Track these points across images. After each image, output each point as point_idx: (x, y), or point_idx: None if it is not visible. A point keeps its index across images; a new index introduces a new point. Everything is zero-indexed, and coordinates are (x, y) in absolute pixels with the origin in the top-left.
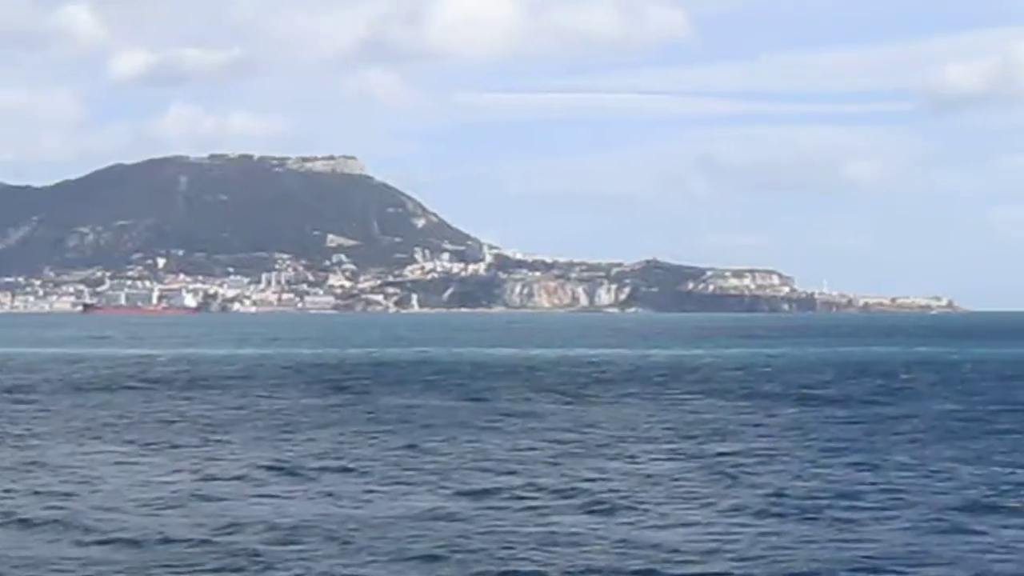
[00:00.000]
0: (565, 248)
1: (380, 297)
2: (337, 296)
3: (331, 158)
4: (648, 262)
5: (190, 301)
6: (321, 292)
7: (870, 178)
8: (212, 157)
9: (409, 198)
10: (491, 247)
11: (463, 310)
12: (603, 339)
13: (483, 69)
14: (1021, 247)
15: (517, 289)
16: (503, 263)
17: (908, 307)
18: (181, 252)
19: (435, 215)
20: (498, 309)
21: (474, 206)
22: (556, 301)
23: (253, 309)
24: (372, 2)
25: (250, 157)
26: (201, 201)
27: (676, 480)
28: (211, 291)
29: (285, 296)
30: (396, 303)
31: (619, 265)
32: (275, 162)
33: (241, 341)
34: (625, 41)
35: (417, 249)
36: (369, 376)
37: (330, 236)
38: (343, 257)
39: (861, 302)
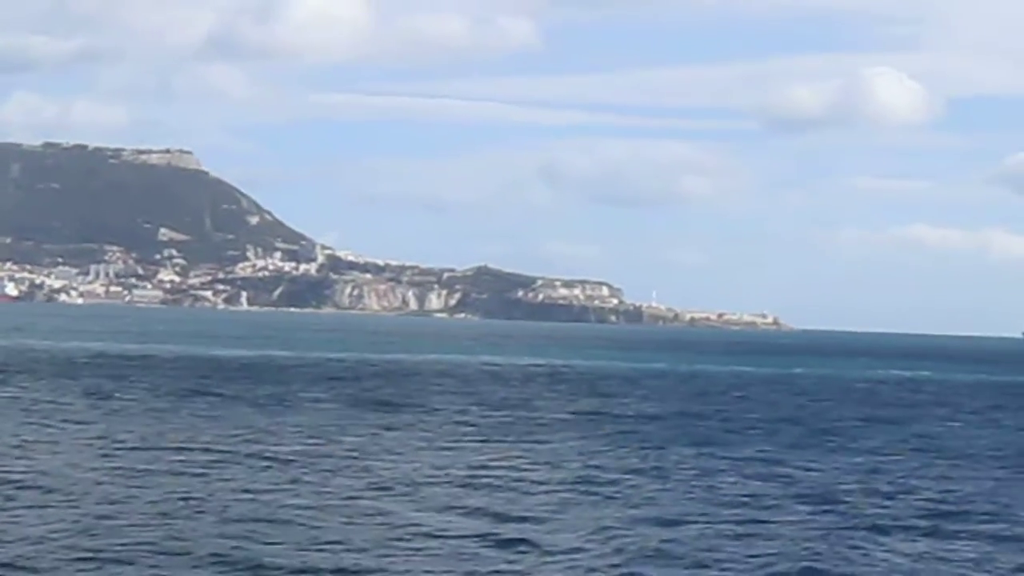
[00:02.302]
0: (402, 252)
1: (209, 294)
2: (166, 291)
3: (167, 151)
4: (479, 269)
5: (11, 290)
6: (149, 286)
7: (708, 195)
8: (46, 145)
9: (244, 195)
10: (324, 248)
11: (292, 310)
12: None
13: (330, 70)
14: (851, 268)
15: (347, 291)
16: (335, 264)
17: (735, 323)
18: (9, 240)
19: (269, 213)
20: (328, 310)
21: (312, 206)
22: (386, 304)
23: (80, 301)
24: None
25: (84, 147)
26: (33, 189)
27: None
28: (38, 281)
29: (113, 289)
30: (225, 300)
31: (451, 271)
32: (110, 153)
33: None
34: (474, 49)
35: (249, 247)
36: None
37: (162, 230)
38: (174, 252)
39: (688, 317)
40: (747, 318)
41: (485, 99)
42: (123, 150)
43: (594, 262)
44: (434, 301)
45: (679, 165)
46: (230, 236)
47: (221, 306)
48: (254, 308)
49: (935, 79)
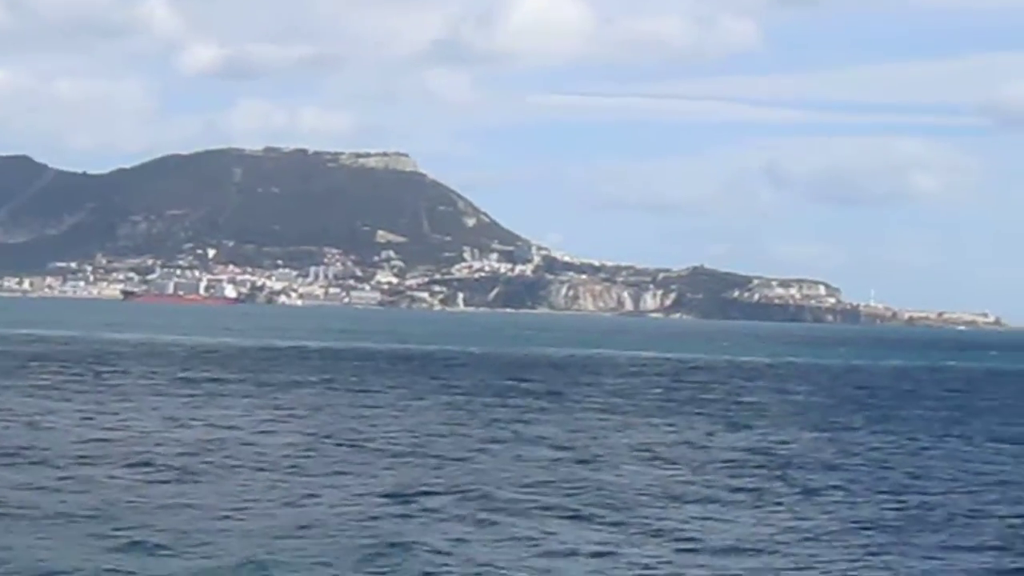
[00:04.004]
0: (621, 253)
1: (426, 295)
2: (383, 292)
3: (384, 155)
4: (695, 269)
5: (230, 292)
6: (367, 288)
7: (935, 193)
8: (267, 150)
9: (460, 197)
10: (540, 248)
11: (508, 310)
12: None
13: (552, 73)
14: None
15: (562, 291)
16: (550, 265)
17: (954, 322)
18: (231, 243)
19: (486, 215)
20: (542, 310)
21: (532, 208)
22: (601, 304)
23: (299, 302)
24: (446, 2)
25: (304, 151)
26: (254, 193)
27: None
28: (259, 283)
29: (332, 290)
30: (441, 301)
31: (666, 271)
32: (328, 157)
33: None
34: (696, 49)
35: (466, 248)
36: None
37: (380, 232)
38: (391, 253)
39: (906, 316)
40: (967, 317)
41: (708, 99)
42: (341, 154)
43: (815, 262)
44: (649, 301)
45: (905, 163)
46: (447, 238)
47: (437, 307)
48: (470, 309)
49: None
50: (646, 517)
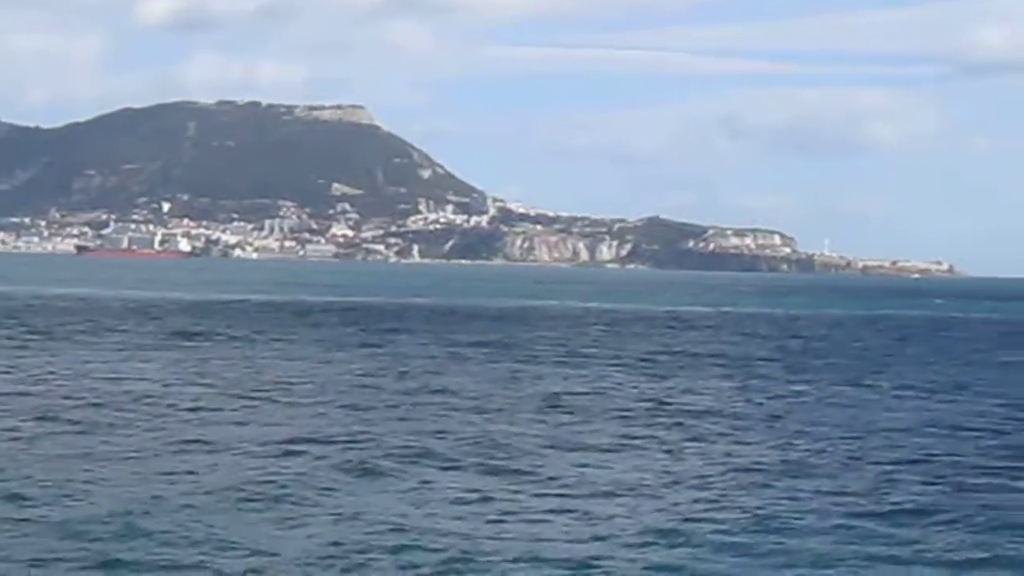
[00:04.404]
0: (579, 204)
1: (382, 247)
2: (339, 245)
3: (339, 107)
4: (651, 219)
5: (184, 246)
6: (323, 240)
7: (893, 143)
8: (220, 103)
9: (416, 149)
10: (496, 200)
11: (463, 262)
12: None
13: (509, 24)
14: None
15: (518, 242)
16: (506, 216)
17: (908, 271)
18: (186, 197)
19: (441, 167)
20: (498, 262)
21: (488, 159)
22: (556, 255)
23: (255, 256)
24: None
25: (258, 104)
26: (208, 147)
27: None
28: (213, 237)
29: (287, 244)
30: (397, 253)
31: (622, 221)
32: (283, 110)
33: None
34: None
35: (421, 200)
36: None
37: (335, 185)
38: (347, 206)
39: (860, 265)
40: (921, 265)
41: (668, 49)
42: (296, 107)
43: (771, 212)
44: (605, 252)
45: (864, 113)
46: (402, 190)
47: (393, 259)
48: (426, 261)
49: None
50: (527, 465)
